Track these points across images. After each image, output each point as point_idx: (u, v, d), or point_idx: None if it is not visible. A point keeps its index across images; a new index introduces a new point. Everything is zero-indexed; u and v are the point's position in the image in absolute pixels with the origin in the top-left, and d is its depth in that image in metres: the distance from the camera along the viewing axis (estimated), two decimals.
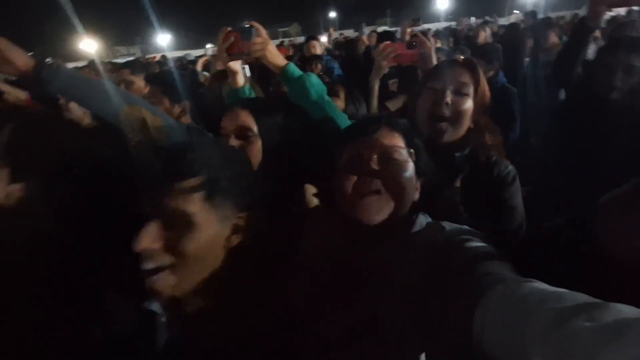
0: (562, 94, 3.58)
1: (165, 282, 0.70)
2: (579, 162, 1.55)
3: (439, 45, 3.70)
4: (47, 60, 1.09)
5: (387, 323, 0.70)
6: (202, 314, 0.75)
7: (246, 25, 1.23)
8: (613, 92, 1.62)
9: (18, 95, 2.41)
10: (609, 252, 0.66)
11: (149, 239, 0.68)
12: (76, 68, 5.03)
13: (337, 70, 4.03)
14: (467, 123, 1.17)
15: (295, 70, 1.24)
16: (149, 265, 0.69)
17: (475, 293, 0.59)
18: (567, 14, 10.95)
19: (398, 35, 4.10)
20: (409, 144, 0.85)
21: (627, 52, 1.61)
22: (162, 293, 0.71)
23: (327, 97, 1.25)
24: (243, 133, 1.12)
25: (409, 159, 0.83)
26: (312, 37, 4.95)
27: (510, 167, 1.18)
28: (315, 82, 1.23)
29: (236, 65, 1.38)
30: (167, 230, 0.69)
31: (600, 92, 1.65)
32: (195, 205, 0.70)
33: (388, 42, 2.09)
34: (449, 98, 1.14)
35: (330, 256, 0.84)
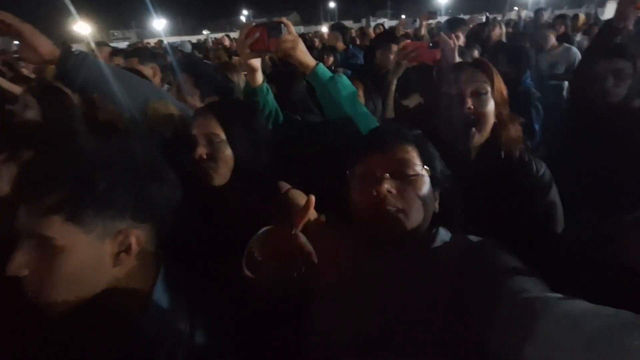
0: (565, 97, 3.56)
1: (41, 302, 0.63)
2: (581, 167, 1.55)
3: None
4: (74, 49, 1.05)
5: (404, 337, 0.69)
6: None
7: (274, 22, 1.17)
8: (608, 98, 1.57)
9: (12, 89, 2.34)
10: (635, 268, 0.66)
11: (16, 264, 0.62)
12: None
13: (360, 60, 3.83)
14: (491, 121, 1.16)
15: (325, 71, 1.19)
16: (24, 290, 0.63)
17: (507, 311, 0.58)
18: (569, 12, 10.89)
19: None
20: (422, 155, 0.83)
21: (613, 58, 1.55)
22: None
23: (357, 99, 1.22)
24: (211, 140, 1.05)
25: (425, 173, 0.81)
26: (337, 26, 4.36)
27: (544, 166, 1.17)
28: (346, 83, 1.19)
29: (257, 62, 1.31)
30: (35, 254, 0.62)
31: (596, 99, 1.60)
32: (54, 228, 0.61)
33: (409, 40, 2.05)
34: (469, 103, 1.11)
35: (345, 267, 0.81)
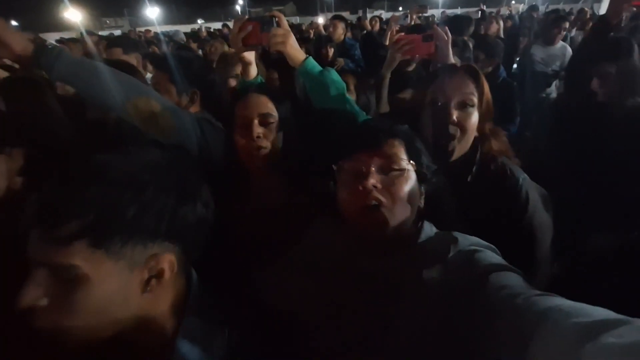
0: (552, 89, 3.57)
1: (59, 333, 0.56)
2: (575, 159, 1.53)
3: None
4: (48, 44, 1.00)
5: (393, 334, 0.69)
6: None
7: (267, 16, 1.18)
8: (594, 97, 1.56)
9: None
10: None
11: (32, 295, 0.54)
12: (63, 40, 4.78)
13: (358, 51, 3.87)
14: (473, 135, 1.13)
15: (315, 65, 1.19)
16: (38, 323, 0.56)
17: (490, 307, 0.59)
18: (566, 7, 10.87)
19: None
20: (409, 150, 0.83)
21: (599, 59, 1.53)
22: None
23: (347, 95, 1.20)
24: (266, 120, 1.10)
25: (411, 168, 0.81)
26: (338, 16, 4.41)
27: (521, 178, 1.10)
28: (335, 78, 1.19)
29: (251, 56, 1.33)
30: (54, 283, 0.55)
31: (582, 97, 1.60)
32: (78, 257, 0.54)
33: (402, 33, 2.02)
34: (455, 115, 1.07)
35: (333, 263, 0.82)
